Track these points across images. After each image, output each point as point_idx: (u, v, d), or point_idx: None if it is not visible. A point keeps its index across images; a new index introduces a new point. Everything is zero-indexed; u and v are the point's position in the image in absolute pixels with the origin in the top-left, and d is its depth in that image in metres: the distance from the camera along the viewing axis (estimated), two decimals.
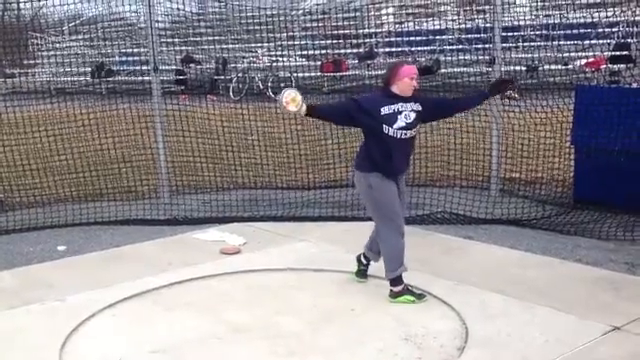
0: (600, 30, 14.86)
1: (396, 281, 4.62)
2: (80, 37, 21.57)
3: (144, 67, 14.26)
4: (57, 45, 22.22)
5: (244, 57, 19.38)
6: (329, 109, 4.89)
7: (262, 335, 4.19)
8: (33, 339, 4.16)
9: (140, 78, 15.94)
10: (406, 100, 4.54)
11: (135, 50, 19.30)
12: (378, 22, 20.10)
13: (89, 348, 4.09)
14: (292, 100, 4.25)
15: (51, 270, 5.52)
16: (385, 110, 4.47)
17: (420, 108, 4.58)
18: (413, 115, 4.53)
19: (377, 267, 5.24)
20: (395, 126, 4.46)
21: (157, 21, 8.92)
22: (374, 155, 4.55)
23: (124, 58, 20.19)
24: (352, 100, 4.68)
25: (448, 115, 5.46)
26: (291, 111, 4.31)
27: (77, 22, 20.83)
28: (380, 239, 4.69)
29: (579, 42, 14.34)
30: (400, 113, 4.49)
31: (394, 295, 4.62)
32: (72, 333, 4.25)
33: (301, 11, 20.32)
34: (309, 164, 8.66)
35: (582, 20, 15.23)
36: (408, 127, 4.51)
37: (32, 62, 20.58)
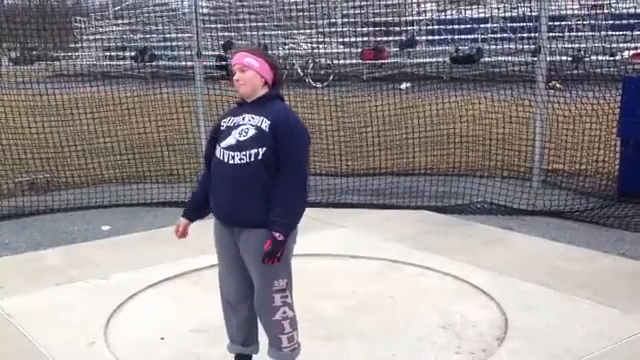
0: None
1: None
2: (125, 22, 21.89)
3: (187, 52, 14.42)
4: (100, 29, 22.61)
5: (284, 44, 19.45)
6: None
7: (300, 319, 4.17)
8: (78, 315, 4.27)
9: (183, 63, 16.12)
10: (254, 110, 3.14)
11: (178, 35, 19.52)
12: (420, 9, 19.92)
13: (132, 326, 4.18)
14: None
15: (95, 249, 5.66)
16: (224, 123, 3.21)
17: (267, 127, 3.07)
18: (253, 132, 3.08)
19: (417, 256, 5.24)
20: (223, 144, 3.13)
21: (200, 7, 9.00)
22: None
23: (167, 43, 20.44)
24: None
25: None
26: None
27: (122, 6, 21.14)
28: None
29: (627, 33, 14.01)
30: (237, 127, 3.12)
31: None
32: (116, 311, 4.35)
33: None
34: (349, 151, 8.66)
35: (630, 10, 14.88)
36: (238, 147, 3.07)
37: (76, 46, 20.99)
